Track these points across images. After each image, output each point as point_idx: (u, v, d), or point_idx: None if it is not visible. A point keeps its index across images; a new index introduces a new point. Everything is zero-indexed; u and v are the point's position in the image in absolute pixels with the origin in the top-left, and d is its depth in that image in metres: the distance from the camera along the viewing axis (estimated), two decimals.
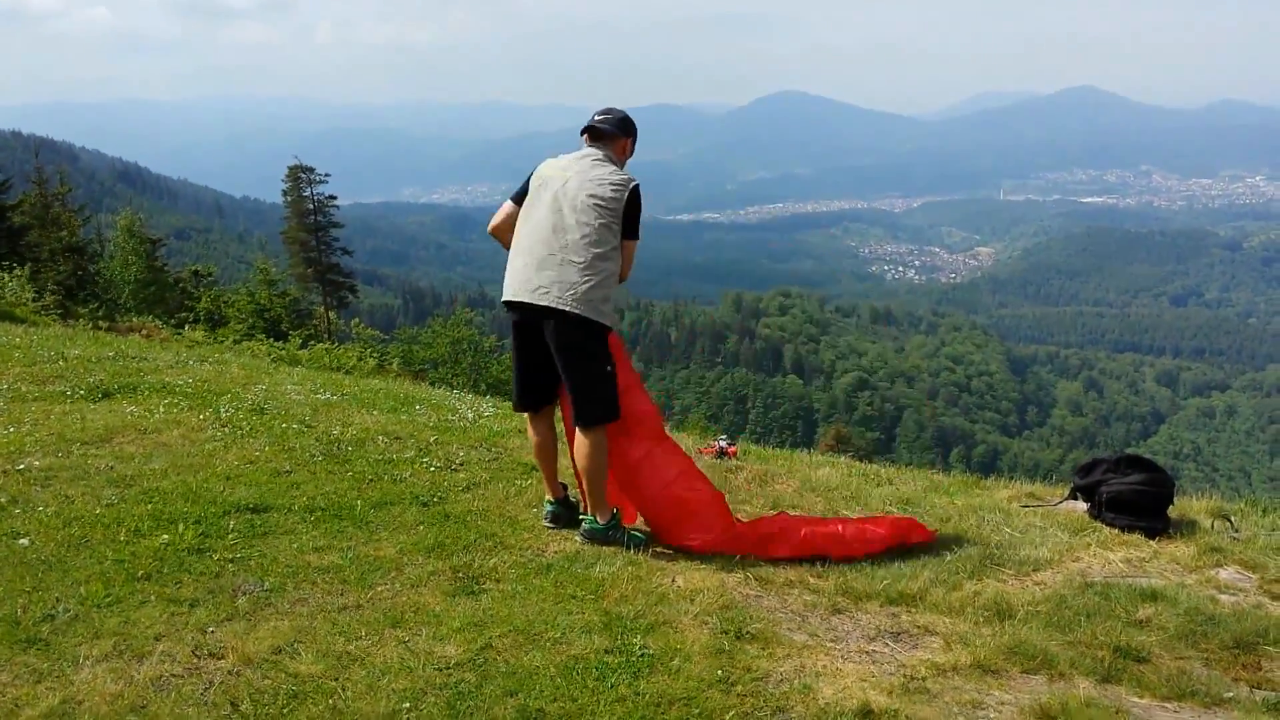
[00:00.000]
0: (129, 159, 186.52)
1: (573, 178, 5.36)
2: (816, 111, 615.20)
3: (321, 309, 42.39)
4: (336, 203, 45.80)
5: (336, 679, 3.81)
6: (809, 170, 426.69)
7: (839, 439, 48.76)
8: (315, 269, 43.92)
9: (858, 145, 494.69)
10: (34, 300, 18.92)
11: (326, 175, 45.41)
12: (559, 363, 5.38)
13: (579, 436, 5.43)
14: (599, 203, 5.26)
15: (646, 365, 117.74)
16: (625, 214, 5.32)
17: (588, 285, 5.20)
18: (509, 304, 5.43)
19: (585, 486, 5.52)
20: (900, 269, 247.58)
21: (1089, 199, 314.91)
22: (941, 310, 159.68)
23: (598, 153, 5.47)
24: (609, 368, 5.40)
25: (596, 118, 5.64)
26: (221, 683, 3.75)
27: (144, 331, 18.43)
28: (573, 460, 5.56)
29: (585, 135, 5.60)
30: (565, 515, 5.75)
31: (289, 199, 45.32)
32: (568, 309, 5.19)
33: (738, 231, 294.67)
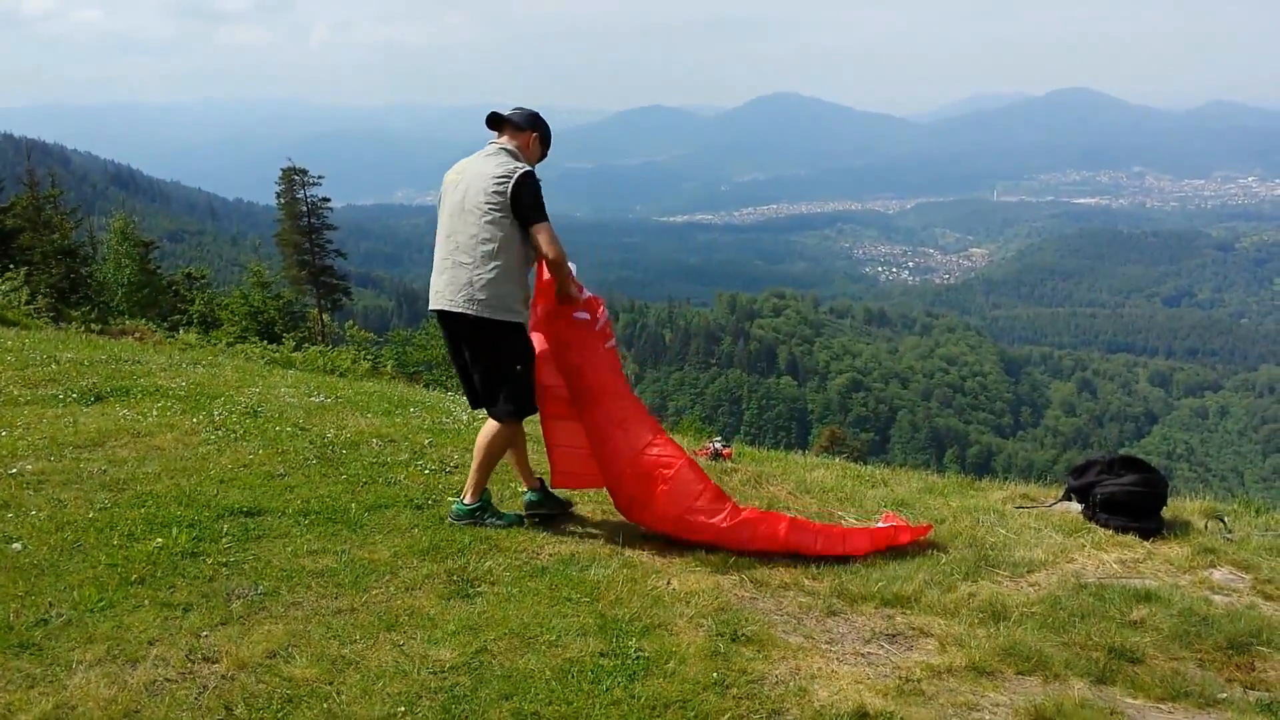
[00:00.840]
0: (122, 161, 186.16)
1: (465, 180, 5.49)
2: (810, 113, 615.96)
3: (315, 311, 42.30)
4: (330, 205, 45.70)
5: (331, 683, 3.81)
6: (803, 171, 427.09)
7: (834, 440, 48.82)
8: (309, 271, 43.83)
9: (851, 146, 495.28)
10: (26, 303, 18.87)
11: (320, 177, 45.32)
12: (468, 361, 5.60)
13: (489, 421, 5.64)
14: (485, 200, 5.36)
15: (641, 366, 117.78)
16: (514, 202, 5.34)
17: (480, 284, 5.33)
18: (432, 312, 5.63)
19: (473, 466, 5.67)
20: (894, 270, 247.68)
21: (1082, 200, 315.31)
22: (935, 311, 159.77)
23: (495, 146, 5.56)
24: (518, 367, 5.51)
25: (509, 112, 5.74)
26: (215, 687, 3.73)
27: (137, 334, 18.39)
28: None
29: (490, 125, 5.69)
30: (544, 503, 5.88)
31: (282, 201, 45.21)
32: (463, 311, 5.35)
33: (732, 233, 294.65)
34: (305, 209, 44.40)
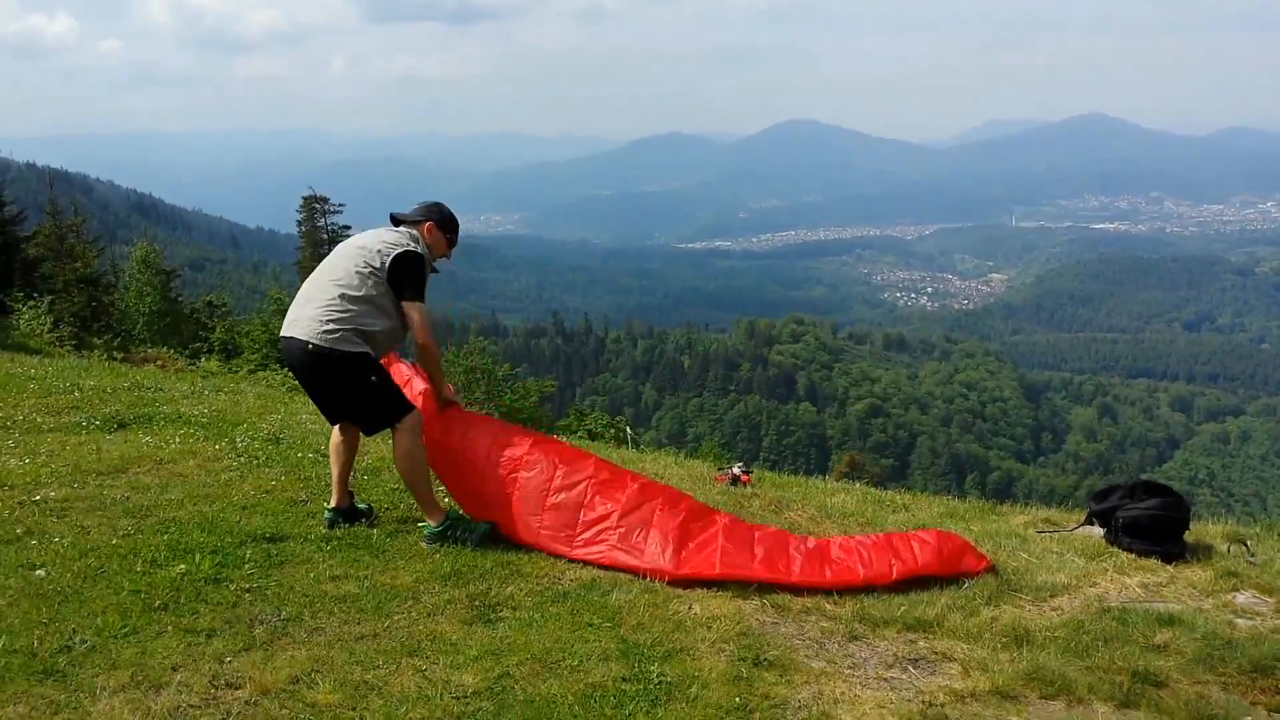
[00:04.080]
0: (144, 190, 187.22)
1: (352, 241, 5.80)
2: (828, 139, 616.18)
3: None
4: (350, 233, 45.92)
5: (354, 708, 3.82)
6: (820, 198, 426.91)
7: (853, 466, 48.71)
8: None
9: (869, 173, 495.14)
10: (49, 332, 18.99)
11: (340, 205, 45.60)
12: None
13: (393, 443, 5.84)
14: (363, 258, 5.55)
15: (659, 393, 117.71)
16: (391, 271, 5.51)
17: (328, 318, 5.44)
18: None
19: (411, 490, 5.85)
20: (913, 296, 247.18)
21: (1101, 225, 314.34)
22: (954, 337, 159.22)
23: (395, 228, 5.82)
24: (373, 379, 5.58)
25: (410, 209, 6.04)
26: (239, 713, 3.75)
27: (159, 362, 18.49)
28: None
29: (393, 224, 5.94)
30: (342, 521, 5.92)
31: (303, 229, 45.48)
32: (309, 340, 5.44)
33: (750, 259, 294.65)
34: (326, 236, 44.63)
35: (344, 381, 5.51)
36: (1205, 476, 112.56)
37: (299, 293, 5.69)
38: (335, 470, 5.90)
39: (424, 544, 5.66)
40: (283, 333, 5.60)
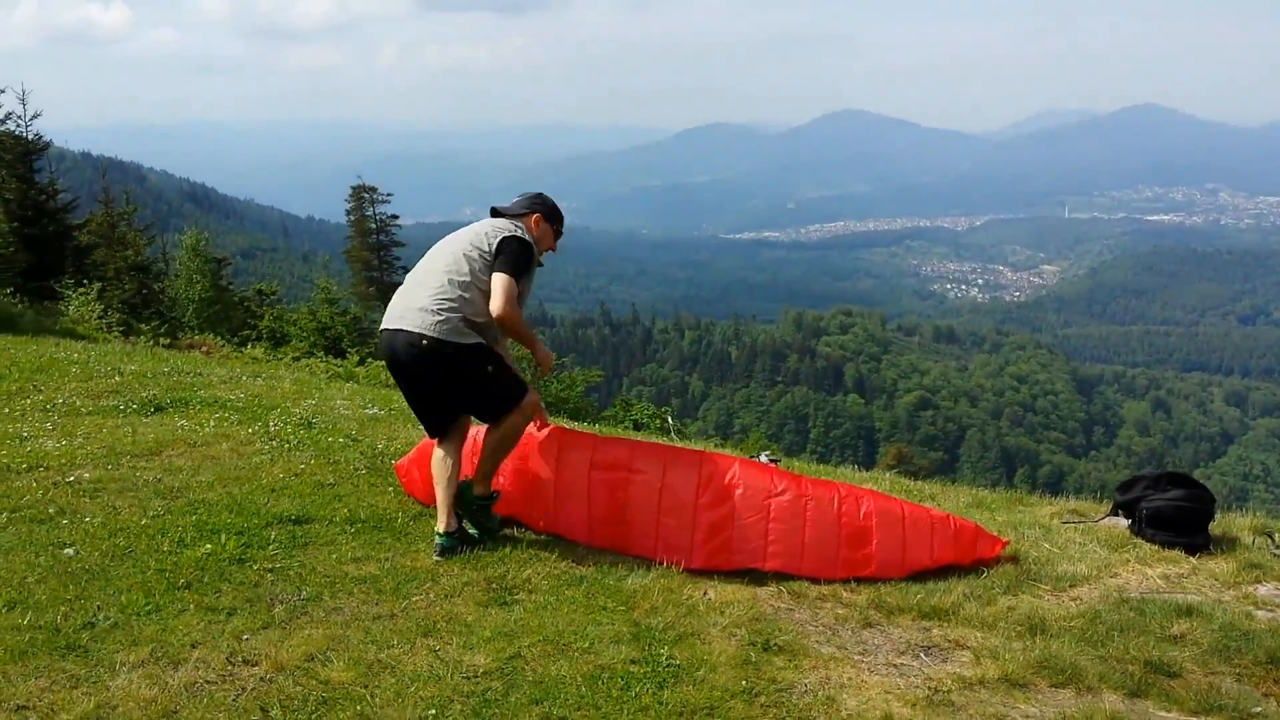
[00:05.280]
0: (196, 180, 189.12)
1: (457, 233, 5.56)
2: (877, 129, 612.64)
3: None
4: (399, 222, 46.21)
5: (366, 686, 3.88)
6: (869, 189, 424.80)
7: (899, 458, 48.50)
8: (377, 287, 44.31)
9: (919, 163, 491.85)
10: (99, 318, 19.23)
11: (389, 195, 45.85)
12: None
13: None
14: (472, 238, 5.40)
15: (706, 384, 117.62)
16: (496, 251, 5.32)
17: (438, 308, 5.22)
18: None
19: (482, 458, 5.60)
20: (963, 287, 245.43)
21: (1155, 217, 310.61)
22: (1005, 329, 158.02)
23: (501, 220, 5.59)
24: (489, 369, 5.37)
25: (511, 201, 5.82)
26: (253, 689, 3.82)
27: (204, 348, 18.69)
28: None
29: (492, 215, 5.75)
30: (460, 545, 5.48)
31: (352, 219, 45.79)
32: (422, 333, 5.19)
33: (798, 250, 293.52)
34: (374, 226, 44.94)
35: (459, 376, 5.27)
36: (1260, 472, 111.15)
37: (403, 285, 5.46)
38: (441, 493, 5.44)
39: (457, 509, 5.45)
40: (386, 326, 5.31)
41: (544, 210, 5.71)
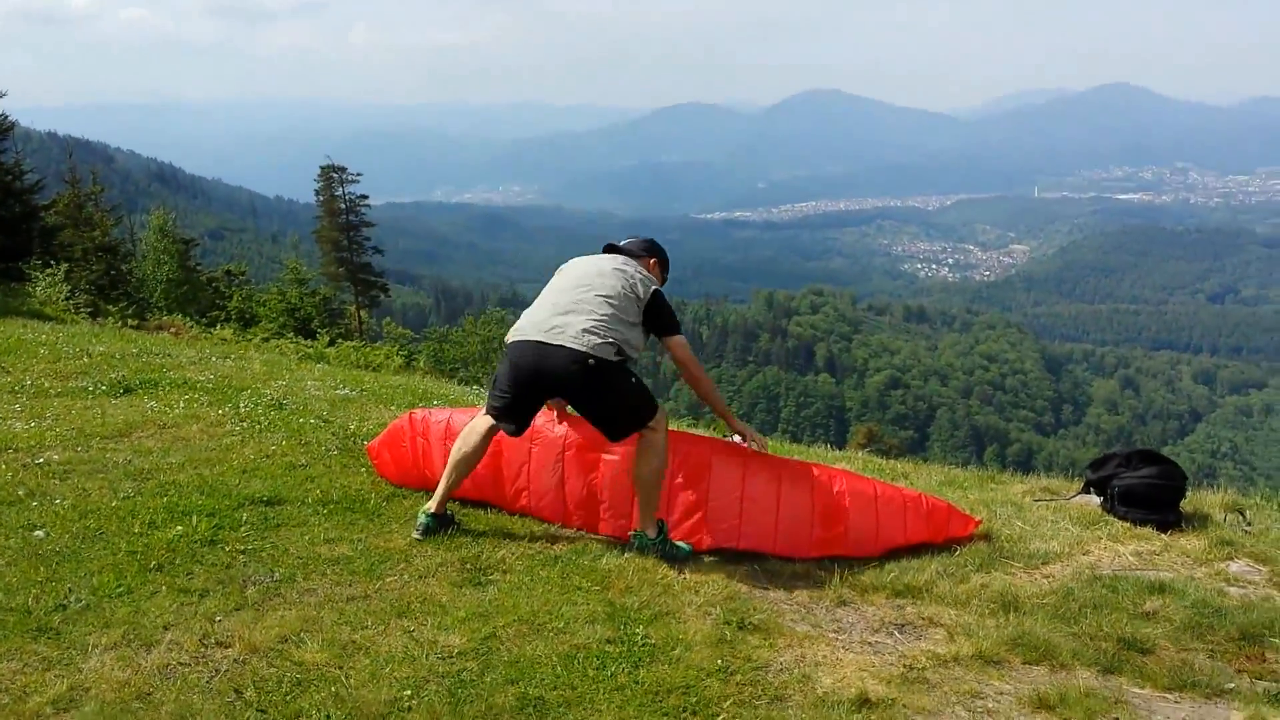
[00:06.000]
0: (164, 160, 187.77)
1: (599, 260, 5.51)
2: (849, 109, 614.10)
3: (353, 308, 42.64)
4: (368, 202, 46.08)
5: (340, 667, 3.86)
6: (841, 168, 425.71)
7: (870, 437, 48.66)
8: (347, 268, 44.20)
9: (890, 143, 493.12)
10: (66, 299, 19.09)
11: (358, 175, 45.71)
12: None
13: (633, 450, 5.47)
14: (625, 277, 5.34)
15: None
16: (650, 305, 5.31)
17: (603, 335, 5.14)
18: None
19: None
20: (933, 267, 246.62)
21: (1125, 196, 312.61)
22: (975, 308, 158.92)
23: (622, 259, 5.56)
24: (633, 379, 5.31)
25: (623, 242, 5.80)
26: (227, 671, 3.79)
27: (173, 329, 18.58)
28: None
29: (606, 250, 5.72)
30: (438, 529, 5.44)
31: (321, 199, 45.64)
32: (577, 348, 5.10)
33: (770, 230, 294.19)
34: (344, 206, 44.81)
35: (609, 390, 5.17)
36: (1228, 450, 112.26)
37: (551, 297, 5.36)
38: (454, 477, 5.44)
39: (629, 552, 5.29)
40: (539, 338, 5.17)
41: (661, 258, 5.83)
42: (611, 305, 5.19)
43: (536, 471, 5.68)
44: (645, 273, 5.45)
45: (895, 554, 5.39)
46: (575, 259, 5.62)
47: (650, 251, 5.76)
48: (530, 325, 5.26)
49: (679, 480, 5.48)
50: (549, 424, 5.70)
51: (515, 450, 5.70)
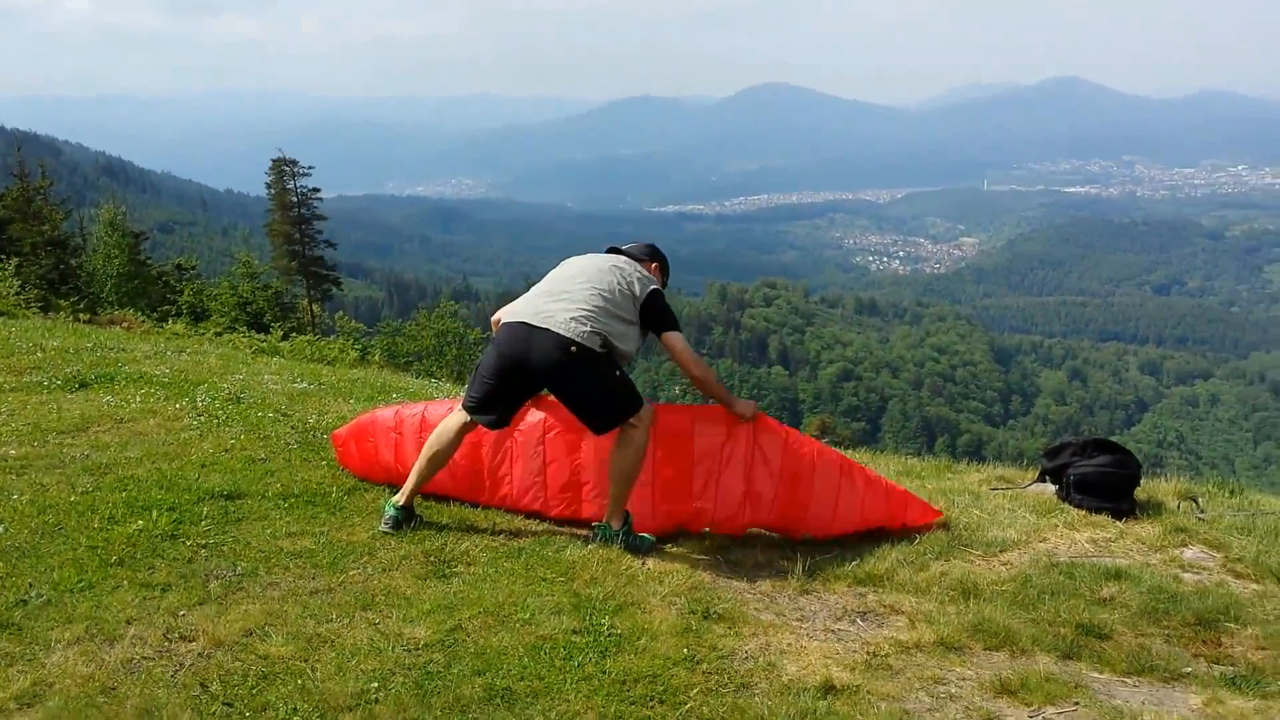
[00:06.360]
0: (113, 153, 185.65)
1: (599, 258, 5.55)
2: (801, 103, 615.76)
3: (305, 302, 42.35)
4: (320, 195, 45.76)
5: (306, 660, 3.85)
6: (793, 162, 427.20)
7: (824, 429, 48.93)
8: (299, 262, 43.89)
9: (842, 136, 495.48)
10: (16, 294, 18.85)
11: (310, 168, 45.38)
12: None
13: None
14: (621, 274, 5.37)
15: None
16: (647, 304, 5.34)
17: (590, 324, 5.15)
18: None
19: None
20: (885, 260, 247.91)
21: (1072, 189, 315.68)
22: (926, 301, 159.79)
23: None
24: (617, 373, 5.30)
25: (625, 245, 5.83)
26: (191, 665, 3.78)
27: (125, 324, 18.39)
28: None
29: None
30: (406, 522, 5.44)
31: (272, 192, 45.28)
32: (564, 335, 5.11)
33: (722, 223, 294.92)
34: (295, 200, 44.48)
35: (591, 379, 5.17)
36: (1174, 439, 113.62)
37: (544, 286, 5.41)
38: (426, 470, 5.43)
39: (593, 543, 5.32)
40: (527, 320, 5.20)
41: (663, 263, 5.85)
42: (603, 298, 5.21)
43: (519, 456, 5.67)
44: (645, 273, 5.48)
45: (855, 543, 5.44)
46: (575, 256, 5.65)
47: (652, 256, 5.79)
48: (519, 310, 5.30)
49: (660, 454, 5.51)
50: (529, 410, 5.68)
51: (497, 438, 5.68)
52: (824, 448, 5.68)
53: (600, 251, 5.68)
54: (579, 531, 5.44)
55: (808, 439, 5.71)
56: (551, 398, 5.53)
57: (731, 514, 5.48)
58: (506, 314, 5.35)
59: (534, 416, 5.67)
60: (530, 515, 5.65)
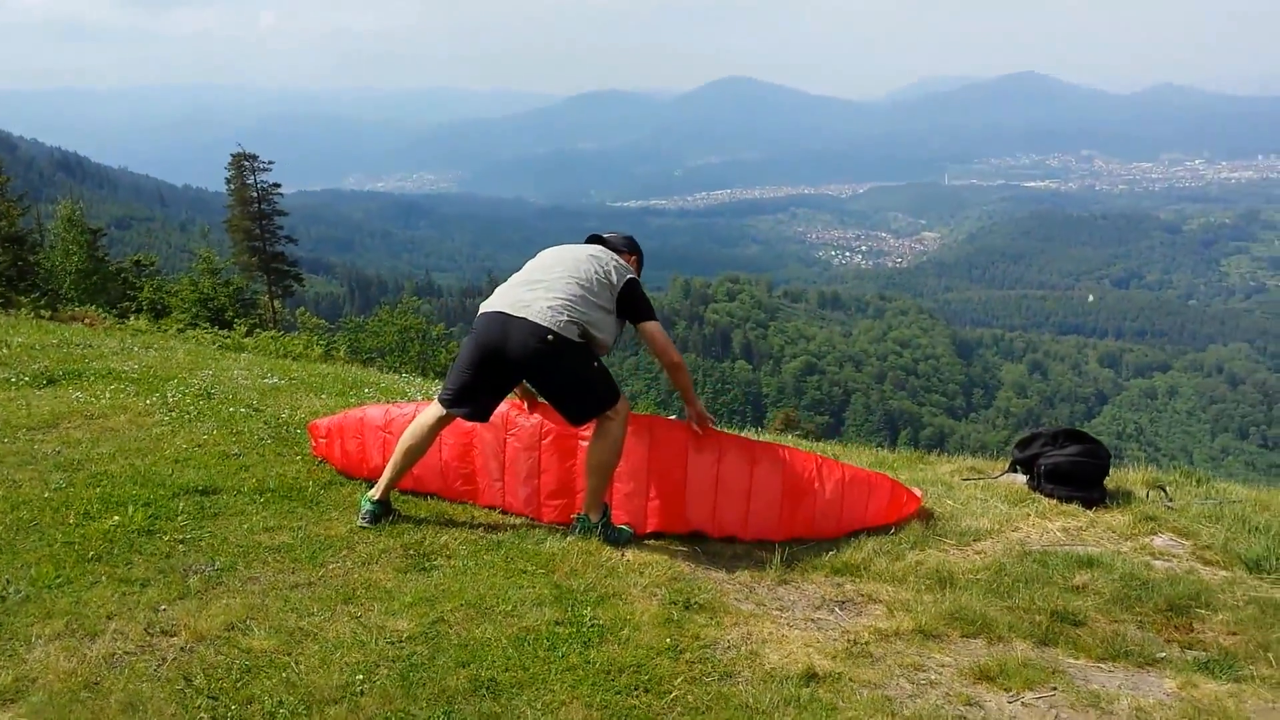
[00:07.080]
0: (69, 149, 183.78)
1: (578, 248, 5.56)
2: (763, 97, 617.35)
3: (266, 298, 42.08)
4: (280, 190, 45.50)
5: (289, 653, 3.84)
6: (756, 156, 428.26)
7: (788, 423, 49.08)
8: (260, 258, 43.64)
9: (804, 130, 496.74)
10: None
11: (270, 163, 45.08)
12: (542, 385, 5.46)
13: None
14: (599, 263, 5.37)
15: None
16: (623, 294, 5.35)
17: (567, 313, 5.15)
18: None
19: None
20: (847, 254, 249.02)
21: (1032, 183, 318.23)
22: (888, 295, 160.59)
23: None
24: (595, 364, 5.31)
25: (606, 234, 5.83)
26: (174, 659, 3.76)
27: (87, 320, 18.25)
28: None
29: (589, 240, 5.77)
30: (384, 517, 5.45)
31: (232, 187, 44.94)
32: (543, 324, 5.11)
33: (686, 217, 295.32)
34: (255, 195, 44.20)
35: (569, 369, 5.16)
36: (1133, 431, 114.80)
37: (522, 276, 5.39)
38: (402, 462, 5.43)
39: (572, 535, 5.31)
40: (504, 309, 5.17)
41: (640, 255, 5.88)
42: (581, 286, 5.21)
43: (511, 462, 5.66)
44: (622, 262, 5.48)
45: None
46: (552, 246, 5.66)
47: (631, 249, 5.80)
48: (497, 299, 5.28)
49: (656, 464, 5.54)
50: (522, 416, 5.68)
51: (490, 444, 5.69)
52: (824, 460, 5.70)
53: (566, 245, 5.68)
54: (559, 525, 5.45)
55: (809, 455, 5.73)
56: (543, 402, 5.56)
57: (734, 534, 5.50)
58: (483, 305, 5.34)
59: (529, 422, 5.66)
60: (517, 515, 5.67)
